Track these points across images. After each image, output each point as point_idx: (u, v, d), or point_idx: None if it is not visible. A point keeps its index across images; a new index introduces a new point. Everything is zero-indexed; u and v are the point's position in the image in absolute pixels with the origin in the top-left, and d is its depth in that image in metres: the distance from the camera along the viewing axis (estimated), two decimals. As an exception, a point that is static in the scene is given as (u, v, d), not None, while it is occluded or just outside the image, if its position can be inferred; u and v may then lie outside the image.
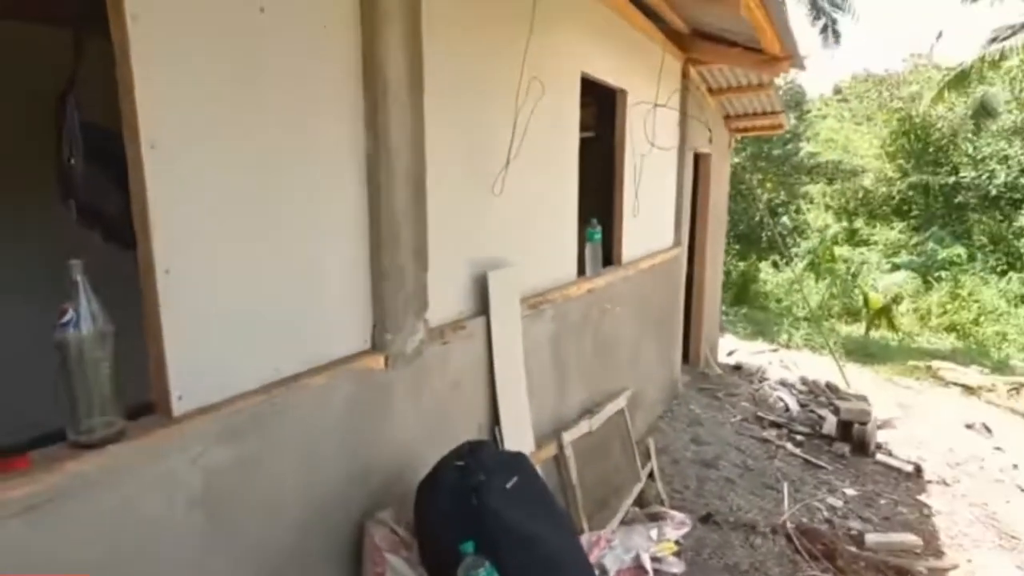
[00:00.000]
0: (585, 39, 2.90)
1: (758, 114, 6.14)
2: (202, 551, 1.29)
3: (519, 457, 1.64)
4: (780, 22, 3.19)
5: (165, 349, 1.23)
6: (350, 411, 1.65)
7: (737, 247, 14.32)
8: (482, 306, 2.24)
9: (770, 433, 4.63)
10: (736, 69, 4.93)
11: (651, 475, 3.57)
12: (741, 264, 14.06)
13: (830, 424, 4.74)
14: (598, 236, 3.26)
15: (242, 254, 1.36)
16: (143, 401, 1.26)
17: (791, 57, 3.96)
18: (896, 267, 12.58)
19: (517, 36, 2.21)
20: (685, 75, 4.63)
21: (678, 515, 2.95)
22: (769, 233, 12.87)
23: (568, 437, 2.70)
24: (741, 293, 13.17)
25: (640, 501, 3.25)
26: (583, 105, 4.03)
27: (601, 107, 4.03)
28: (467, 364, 2.16)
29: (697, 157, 5.47)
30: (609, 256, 3.66)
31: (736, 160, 12.41)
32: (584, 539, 2.42)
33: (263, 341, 1.43)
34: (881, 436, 4.79)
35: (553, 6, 2.51)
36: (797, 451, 4.35)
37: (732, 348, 7.67)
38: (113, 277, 1.29)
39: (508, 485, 1.46)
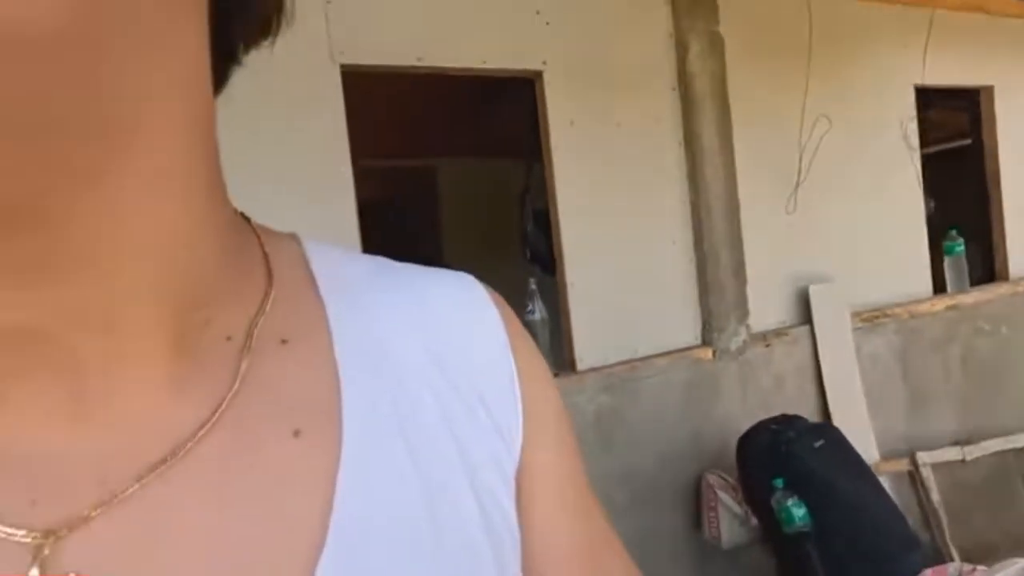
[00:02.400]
0: (918, 49, 2.90)
1: None
2: (592, 461, 2.07)
3: (830, 427, 1.90)
4: None
5: (572, 331, 2.11)
6: (687, 388, 2.24)
7: None
8: (805, 317, 2.52)
9: None
10: None
11: (1087, 540, 2.84)
12: None
13: None
14: (959, 249, 3.00)
15: (614, 272, 2.17)
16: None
17: None
18: None
19: (810, 73, 2.54)
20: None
21: (1118, 582, 2.35)
22: None
23: (927, 458, 2.57)
24: None
25: (1060, 561, 2.66)
26: (958, 109, 3.70)
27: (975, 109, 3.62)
28: (791, 367, 2.47)
29: None
30: (991, 271, 3.22)
31: None
32: (952, 567, 2.29)
33: (626, 329, 2.19)
34: None
35: (867, 25, 2.70)
36: None
37: None
38: (547, 291, 2.27)
39: (816, 444, 1.77)
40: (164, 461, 0.20)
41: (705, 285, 2.31)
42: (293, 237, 0.29)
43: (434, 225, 4.79)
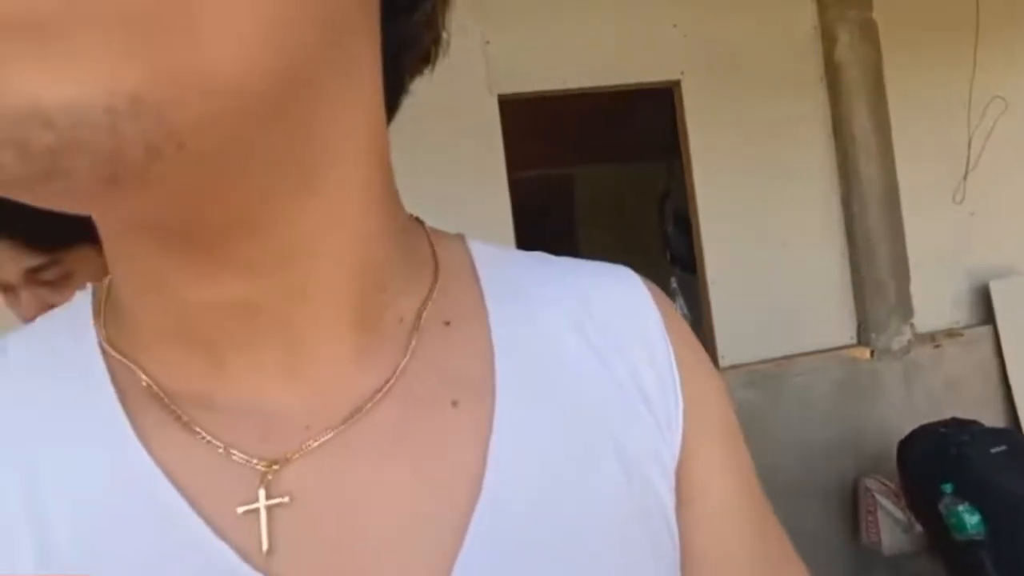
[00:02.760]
0: None
1: None
2: None
3: (1015, 432, 1.74)
4: None
5: (714, 327, 2.16)
6: (840, 388, 2.17)
7: None
8: (985, 315, 2.29)
9: None
10: None
11: None
12: None
13: None
14: None
15: (758, 269, 2.18)
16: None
17: None
18: None
19: (978, 51, 2.30)
20: None
21: None
22: None
23: None
24: None
25: None
26: None
27: None
28: (967, 369, 2.25)
29: None
30: None
31: None
32: None
33: (773, 327, 2.18)
34: None
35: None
36: None
37: None
38: (689, 290, 2.34)
39: (993, 450, 1.64)
40: (350, 416, 0.24)
41: (860, 282, 2.22)
42: (460, 236, 0.32)
43: (571, 230, 4.98)
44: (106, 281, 0.27)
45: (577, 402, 0.27)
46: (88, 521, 0.22)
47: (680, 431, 0.29)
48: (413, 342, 0.26)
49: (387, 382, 0.25)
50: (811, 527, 2.11)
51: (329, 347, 0.24)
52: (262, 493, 0.22)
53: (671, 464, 0.28)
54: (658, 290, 0.33)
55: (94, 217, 0.21)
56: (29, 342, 0.26)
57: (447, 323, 0.27)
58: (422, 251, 0.29)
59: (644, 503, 0.27)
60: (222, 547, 0.21)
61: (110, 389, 0.24)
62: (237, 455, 0.23)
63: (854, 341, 2.23)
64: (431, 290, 0.27)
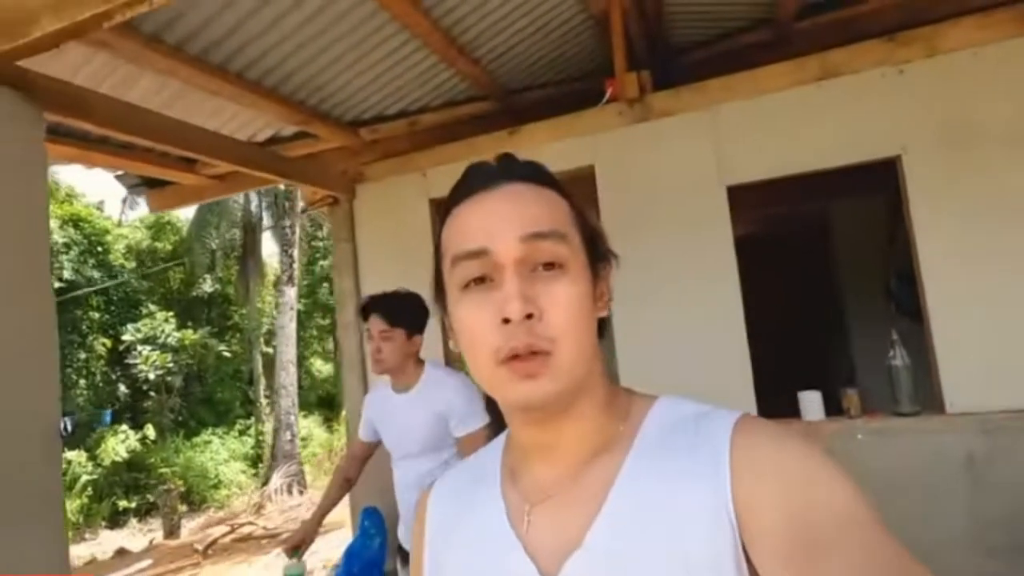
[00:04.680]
0: None
1: None
2: (960, 501, 2.25)
3: None
4: None
5: (941, 376, 2.34)
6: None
7: None
8: None
9: None
10: None
11: None
12: None
13: None
14: None
15: (990, 321, 2.27)
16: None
17: None
18: None
19: None
20: None
21: None
22: None
23: None
24: None
25: None
26: None
27: None
28: None
29: None
30: None
31: None
32: None
33: (1009, 378, 2.25)
34: None
35: None
36: None
37: None
38: (912, 341, 2.52)
39: None
40: (557, 484, 0.57)
41: None
42: (655, 397, 0.60)
43: (828, 261, 4.83)
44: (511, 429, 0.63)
45: (654, 489, 0.52)
46: (473, 512, 0.62)
47: (732, 529, 0.48)
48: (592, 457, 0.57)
49: (578, 471, 0.57)
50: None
51: (570, 459, 0.57)
52: (527, 512, 0.57)
53: (728, 553, 0.48)
54: (751, 425, 0.53)
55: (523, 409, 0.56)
56: (479, 454, 0.68)
57: (612, 444, 0.57)
58: (621, 409, 0.59)
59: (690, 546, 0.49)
60: (510, 529, 0.57)
61: (498, 468, 0.63)
62: (525, 499, 0.58)
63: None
64: (615, 432, 0.58)
